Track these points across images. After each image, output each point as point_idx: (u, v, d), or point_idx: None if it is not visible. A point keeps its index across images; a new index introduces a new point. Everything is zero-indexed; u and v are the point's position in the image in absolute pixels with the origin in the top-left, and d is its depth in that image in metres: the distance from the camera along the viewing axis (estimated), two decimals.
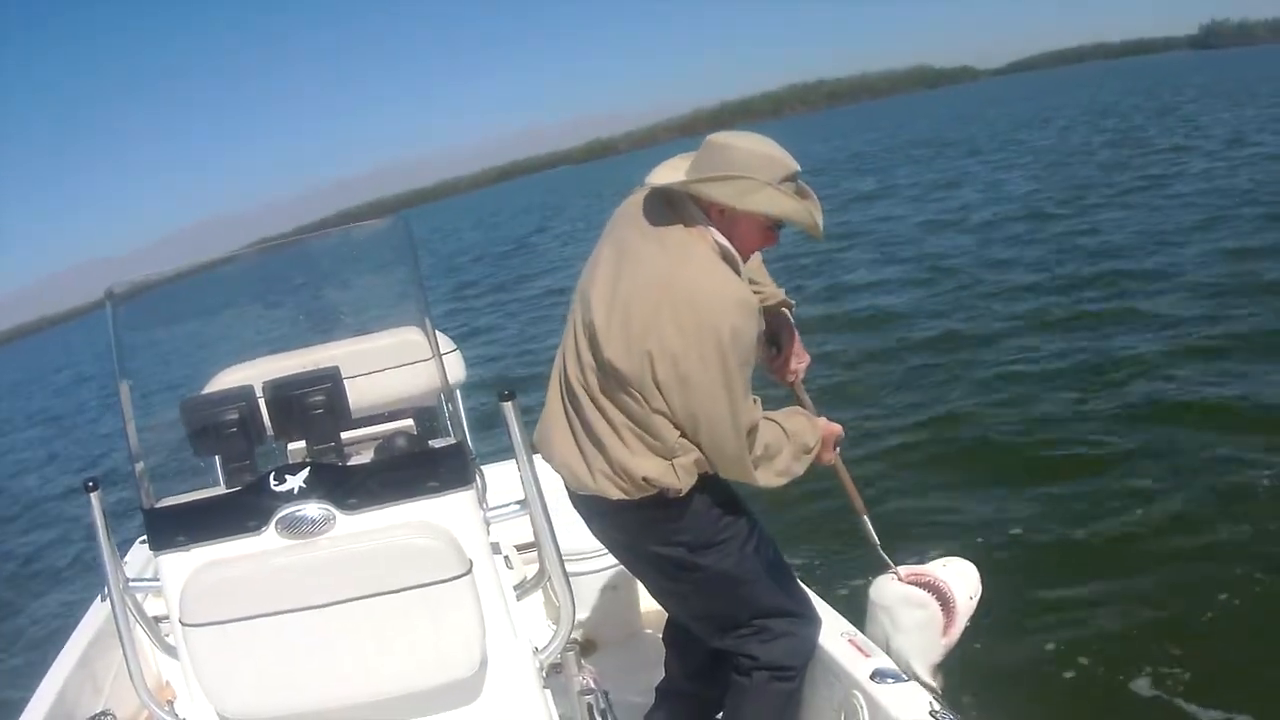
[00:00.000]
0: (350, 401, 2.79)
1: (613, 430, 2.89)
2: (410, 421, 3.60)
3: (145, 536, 2.74)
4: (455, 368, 4.02)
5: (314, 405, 2.70)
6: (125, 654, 2.73)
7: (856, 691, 3.15)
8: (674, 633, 3.59)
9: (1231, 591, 5.68)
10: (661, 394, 2.79)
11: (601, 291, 2.91)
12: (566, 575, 2.79)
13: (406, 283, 3.20)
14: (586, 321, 2.93)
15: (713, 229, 2.87)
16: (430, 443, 2.92)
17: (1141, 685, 5.07)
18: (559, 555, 2.79)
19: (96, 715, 3.69)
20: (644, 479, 2.88)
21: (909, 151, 40.14)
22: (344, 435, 2.81)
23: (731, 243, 2.89)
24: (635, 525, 3.03)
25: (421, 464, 2.68)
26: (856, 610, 3.51)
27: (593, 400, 2.92)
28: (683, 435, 2.86)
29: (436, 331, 3.06)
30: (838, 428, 3.22)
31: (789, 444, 3.01)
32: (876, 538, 3.50)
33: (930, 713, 2.94)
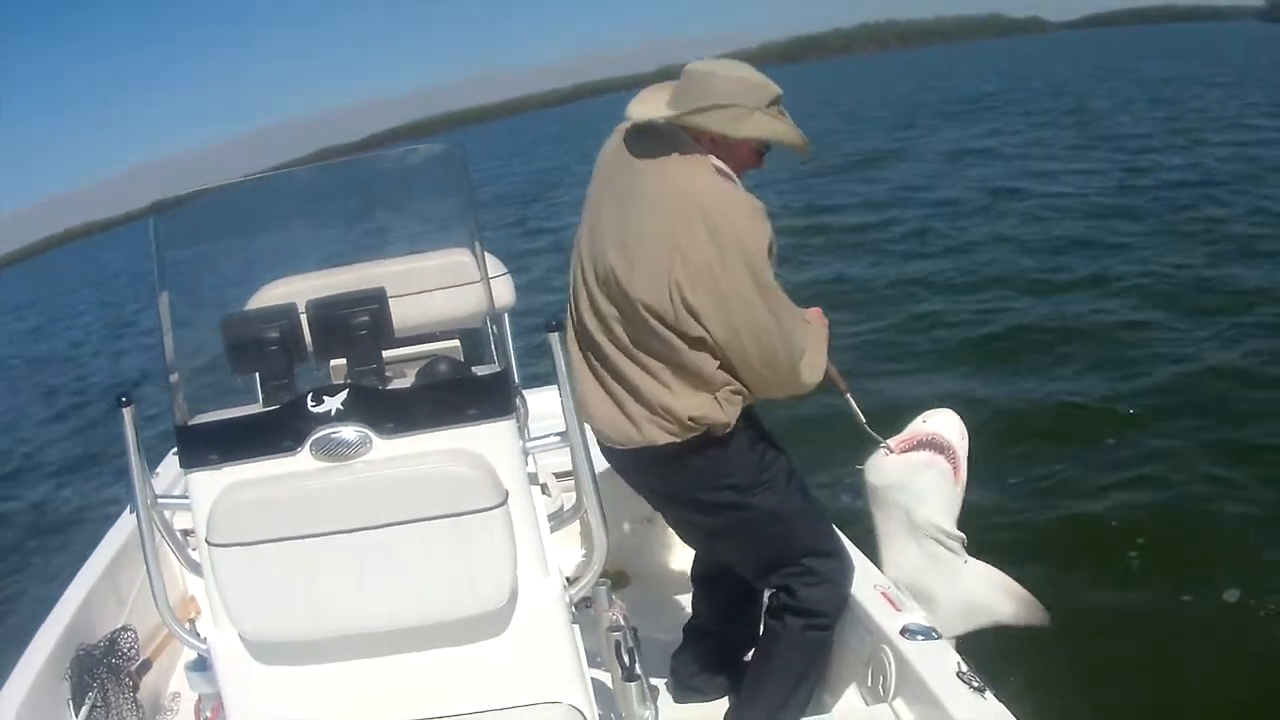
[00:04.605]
0: (396, 320, 2.76)
1: (650, 375, 2.89)
2: (456, 342, 3.57)
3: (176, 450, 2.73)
4: (504, 292, 3.99)
5: (357, 326, 2.66)
6: (149, 574, 2.73)
7: (885, 646, 3.15)
8: (703, 570, 3.60)
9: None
10: (698, 319, 2.80)
11: (613, 237, 2.91)
12: (603, 512, 2.76)
13: (459, 205, 3.16)
14: (602, 272, 2.93)
15: (710, 155, 2.90)
16: (474, 369, 2.90)
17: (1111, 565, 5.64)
18: (596, 491, 2.76)
19: (117, 629, 3.72)
20: (690, 418, 2.88)
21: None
22: (387, 354, 2.78)
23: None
24: (681, 474, 3.03)
25: (463, 391, 2.65)
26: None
27: (622, 350, 2.92)
28: (721, 366, 2.87)
29: (487, 254, 3.02)
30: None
31: (808, 331, 3.05)
32: (862, 415, 3.45)
33: (958, 673, 2.94)
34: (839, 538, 3.34)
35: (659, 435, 2.92)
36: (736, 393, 2.91)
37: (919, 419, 3.46)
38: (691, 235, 2.76)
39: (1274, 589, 5.12)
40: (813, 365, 3.01)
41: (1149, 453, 6.97)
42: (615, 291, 2.89)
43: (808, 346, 2.99)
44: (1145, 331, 9.47)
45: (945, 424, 3.43)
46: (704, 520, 3.20)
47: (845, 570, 3.24)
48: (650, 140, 2.95)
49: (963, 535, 3.38)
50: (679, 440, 2.92)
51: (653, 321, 2.81)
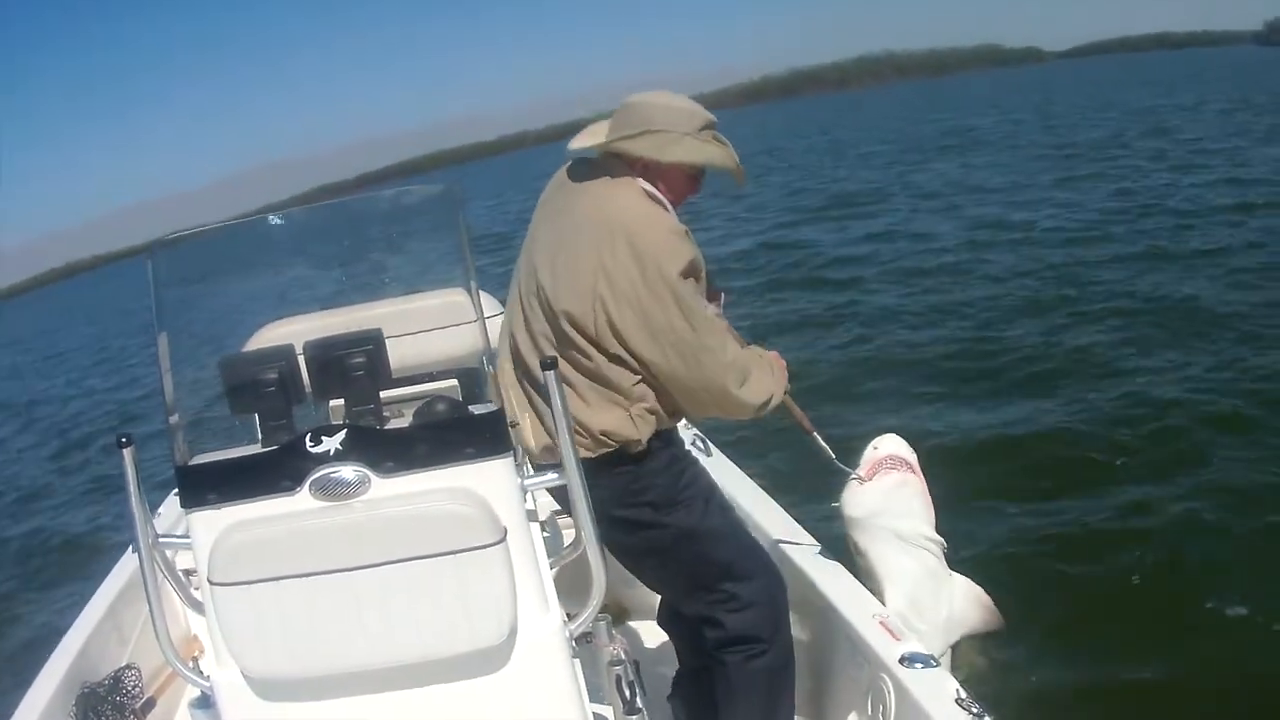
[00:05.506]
0: (393, 360, 2.78)
1: (570, 388, 2.94)
2: (454, 382, 3.60)
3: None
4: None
5: (354, 367, 2.68)
6: (151, 613, 2.73)
7: (884, 675, 3.16)
8: (666, 610, 3.62)
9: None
10: (622, 338, 2.88)
11: (543, 255, 3.02)
12: (601, 547, 2.77)
13: (453, 246, 3.20)
14: (533, 289, 3.03)
15: (639, 179, 3.00)
16: (471, 408, 2.92)
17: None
18: (594, 526, 2.78)
19: (121, 668, 3.74)
20: (601, 433, 2.95)
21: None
22: (385, 394, 2.80)
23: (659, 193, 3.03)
24: (598, 490, 3.04)
25: (459, 429, 2.67)
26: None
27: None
28: (641, 381, 2.95)
29: (482, 294, 3.06)
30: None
31: (758, 360, 3.11)
32: (830, 451, 3.66)
33: (957, 700, 2.96)
34: (763, 558, 3.34)
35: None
36: (651, 411, 2.98)
37: (870, 447, 3.67)
38: (615, 256, 2.85)
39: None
40: (757, 388, 3.05)
41: (1148, 473, 7.06)
42: (544, 305, 2.99)
43: (751, 368, 3.04)
44: (1140, 359, 9.56)
45: (895, 445, 3.65)
46: (625, 539, 3.18)
47: (770, 590, 3.21)
48: (585, 168, 3.08)
49: (943, 540, 3.56)
50: (593, 456, 2.96)
51: (574, 333, 2.91)
